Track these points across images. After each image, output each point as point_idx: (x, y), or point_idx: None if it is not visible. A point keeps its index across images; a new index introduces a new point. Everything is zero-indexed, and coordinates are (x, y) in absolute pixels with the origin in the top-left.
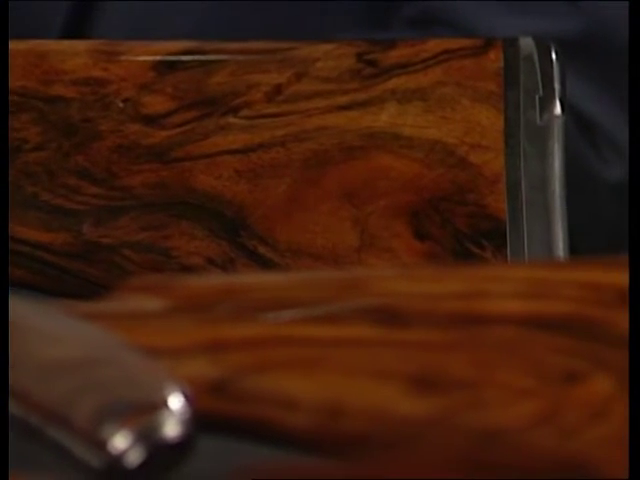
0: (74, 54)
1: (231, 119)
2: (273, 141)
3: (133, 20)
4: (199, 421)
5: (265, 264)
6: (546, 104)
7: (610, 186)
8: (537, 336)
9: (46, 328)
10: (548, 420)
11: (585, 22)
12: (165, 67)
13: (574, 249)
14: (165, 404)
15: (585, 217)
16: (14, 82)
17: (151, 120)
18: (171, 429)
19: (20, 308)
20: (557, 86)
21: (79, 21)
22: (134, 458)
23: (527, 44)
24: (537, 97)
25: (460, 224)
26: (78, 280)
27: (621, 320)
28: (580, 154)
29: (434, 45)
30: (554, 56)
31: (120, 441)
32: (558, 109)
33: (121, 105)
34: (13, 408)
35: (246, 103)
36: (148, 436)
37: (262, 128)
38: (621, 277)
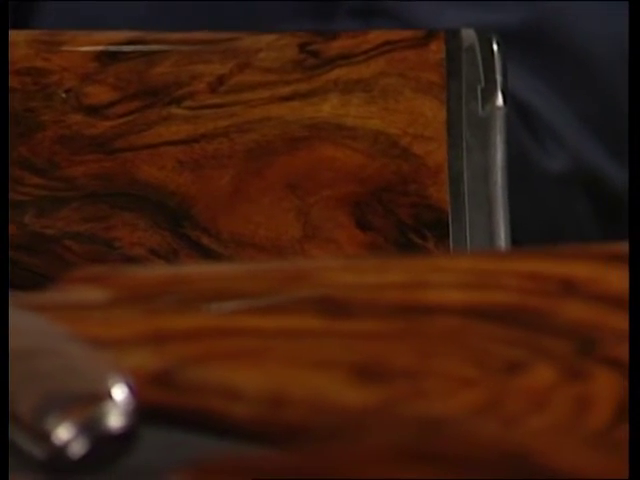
0: (14, 44)
1: (174, 110)
2: (216, 132)
3: (78, 21)
4: (143, 412)
5: (208, 255)
6: (488, 95)
7: (551, 177)
8: (479, 326)
9: None
10: (490, 409)
11: (527, 14)
12: (107, 57)
13: (516, 240)
14: (109, 395)
15: (527, 208)
16: None
17: (94, 110)
18: (114, 420)
19: None
20: (499, 77)
21: (20, 21)
22: (77, 449)
23: (469, 35)
24: (479, 88)
25: (403, 215)
26: (22, 271)
27: (562, 309)
28: (522, 146)
29: (376, 36)
30: (496, 47)
31: (63, 432)
32: (500, 100)
33: (63, 95)
34: None
35: (189, 94)
36: (91, 427)
37: (205, 119)
38: (562, 267)
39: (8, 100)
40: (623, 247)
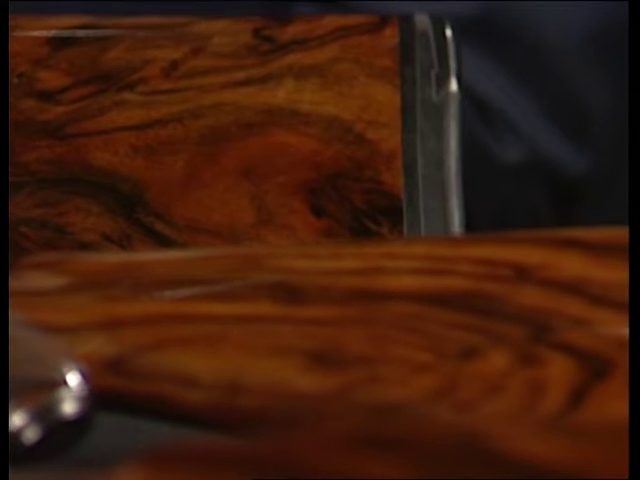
0: None
1: (127, 95)
2: (170, 117)
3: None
4: (97, 398)
5: (162, 241)
6: (442, 81)
7: (507, 165)
8: (434, 312)
9: None
10: (445, 395)
11: (482, 3)
12: (60, 42)
13: (470, 227)
14: (63, 382)
15: (481, 196)
16: None
17: (46, 96)
18: (68, 407)
19: None
20: (452, 63)
21: None
22: (31, 436)
23: (422, 21)
24: (433, 74)
25: (357, 200)
26: None
27: (516, 295)
28: (477, 134)
29: (330, 22)
30: (449, 33)
31: (17, 419)
32: (454, 86)
33: (15, 80)
34: None
35: (142, 79)
36: (45, 414)
37: (158, 104)
38: (516, 252)
39: (8, 101)
40: (576, 233)
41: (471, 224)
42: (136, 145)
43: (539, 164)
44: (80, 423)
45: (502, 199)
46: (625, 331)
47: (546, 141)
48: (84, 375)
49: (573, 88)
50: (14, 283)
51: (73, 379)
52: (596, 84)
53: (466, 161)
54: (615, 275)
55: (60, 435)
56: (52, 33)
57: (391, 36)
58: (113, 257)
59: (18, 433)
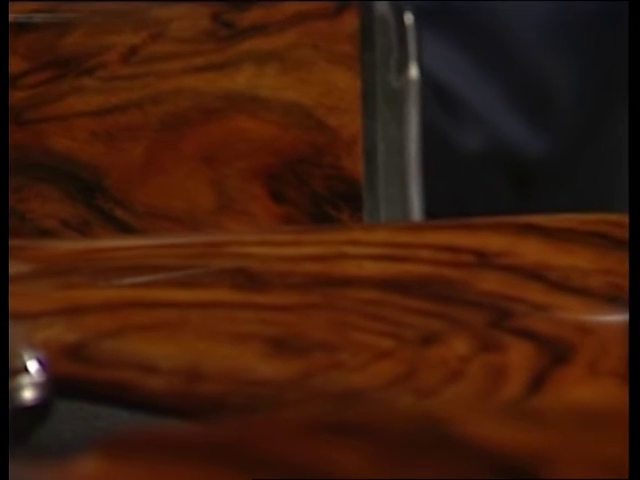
0: None
1: (86, 80)
2: (129, 103)
3: None
4: (57, 385)
5: (122, 227)
6: (402, 66)
7: (466, 152)
8: (394, 298)
9: None
10: (405, 380)
11: None
12: (17, 27)
13: (430, 215)
14: (22, 369)
15: (442, 184)
16: None
17: None
18: (28, 393)
19: None
20: (413, 49)
21: None
22: None
23: (382, 7)
24: (393, 60)
25: (317, 187)
26: None
27: (476, 281)
28: (437, 120)
29: (289, 7)
30: (409, 19)
31: None
32: (414, 72)
33: None
34: None
35: (101, 64)
36: None
37: (117, 90)
38: (476, 238)
39: (8, 101)
40: (536, 219)
41: (431, 211)
42: (95, 131)
43: (499, 150)
44: (40, 410)
45: (462, 186)
46: (585, 316)
47: (506, 127)
48: (43, 362)
49: (534, 75)
50: None
51: (33, 366)
52: (557, 71)
53: (426, 148)
54: (574, 261)
55: (20, 422)
56: (10, 18)
57: (351, 22)
58: (73, 244)
59: None
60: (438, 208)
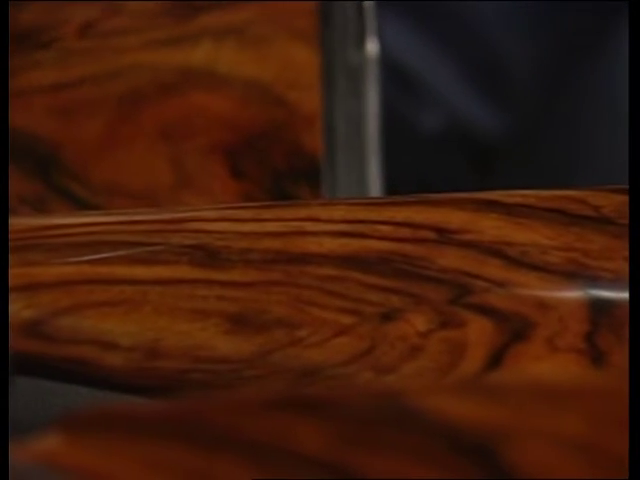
0: None
1: (42, 55)
2: (86, 78)
3: None
4: (16, 362)
5: (79, 203)
6: (361, 43)
7: (425, 130)
8: (354, 274)
9: None
10: (365, 356)
11: None
12: None
13: (389, 192)
14: None
15: (400, 162)
16: None
17: None
18: None
19: None
20: (371, 25)
21: None
22: None
23: None
24: (351, 36)
25: (276, 163)
26: None
27: (436, 257)
28: (395, 99)
29: None
30: None
31: None
32: (373, 48)
33: None
34: None
35: (57, 39)
36: None
37: (74, 64)
38: (436, 214)
39: (8, 101)
40: (495, 195)
41: (391, 190)
42: (52, 106)
43: (458, 128)
44: None
45: (422, 163)
46: (544, 293)
47: (465, 106)
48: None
49: (493, 54)
50: None
51: None
52: (516, 50)
53: (386, 127)
54: (533, 237)
55: None
56: None
57: None
58: (29, 220)
59: None
60: (398, 187)
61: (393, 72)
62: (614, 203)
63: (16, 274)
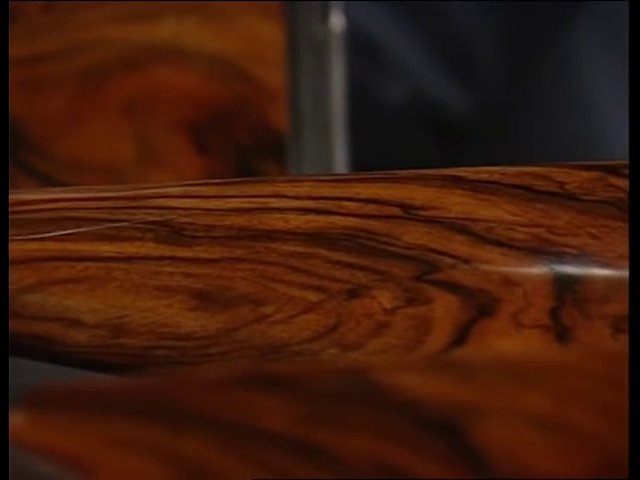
0: None
1: None
2: (49, 53)
3: None
4: None
5: (44, 180)
6: (325, 17)
7: (391, 105)
8: (320, 251)
9: None
10: (331, 332)
11: None
12: None
13: (355, 169)
14: None
15: (367, 137)
16: None
17: None
18: None
19: None
20: None
21: None
22: None
23: None
24: (316, 10)
25: (242, 138)
26: None
27: (402, 233)
28: (361, 72)
29: None
30: None
31: None
32: (338, 22)
33: None
34: None
35: (21, 14)
36: None
37: (38, 40)
38: (401, 191)
39: (8, 101)
40: (461, 172)
41: (357, 165)
42: (16, 81)
43: (424, 104)
44: None
45: (387, 139)
46: (509, 269)
47: (432, 81)
48: None
49: (460, 28)
50: None
51: None
52: (483, 25)
53: (351, 100)
54: (498, 213)
55: None
56: None
57: None
58: None
59: None
60: (364, 162)
61: (359, 46)
62: (579, 179)
63: None
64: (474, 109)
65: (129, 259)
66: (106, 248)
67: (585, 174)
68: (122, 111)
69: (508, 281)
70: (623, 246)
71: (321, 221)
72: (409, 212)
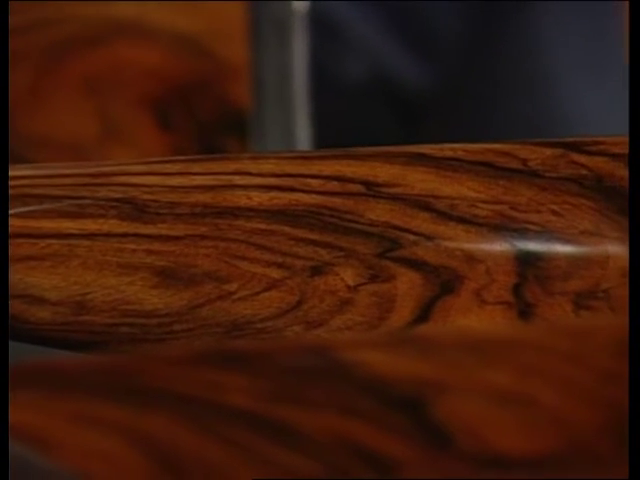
0: None
1: None
2: (13, 29)
3: None
4: None
5: None
6: None
7: (350, 82)
8: (283, 228)
9: None
10: (294, 310)
11: None
12: None
13: (317, 145)
14: None
15: (328, 114)
16: None
17: None
18: None
19: None
20: None
21: None
22: None
23: None
24: None
25: (204, 115)
26: None
27: (365, 210)
28: (320, 50)
29: None
30: None
31: None
32: (301, 1)
33: None
34: None
35: None
36: None
37: None
38: (364, 168)
39: (8, 101)
40: (424, 149)
41: (319, 141)
42: None
43: (385, 80)
44: None
45: (349, 115)
46: (471, 245)
47: (391, 57)
48: None
49: (419, 5)
50: None
51: None
52: (442, 1)
53: (313, 78)
54: (461, 190)
55: None
56: None
57: None
58: None
59: None
60: (324, 140)
61: (319, 24)
62: (541, 156)
63: None
64: (434, 85)
65: (92, 236)
66: (69, 225)
67: (548, 151)
68: (85, 88)
69: (471, 258)
70: (585, 223)
71: (284, 198)
72: (372, 189)
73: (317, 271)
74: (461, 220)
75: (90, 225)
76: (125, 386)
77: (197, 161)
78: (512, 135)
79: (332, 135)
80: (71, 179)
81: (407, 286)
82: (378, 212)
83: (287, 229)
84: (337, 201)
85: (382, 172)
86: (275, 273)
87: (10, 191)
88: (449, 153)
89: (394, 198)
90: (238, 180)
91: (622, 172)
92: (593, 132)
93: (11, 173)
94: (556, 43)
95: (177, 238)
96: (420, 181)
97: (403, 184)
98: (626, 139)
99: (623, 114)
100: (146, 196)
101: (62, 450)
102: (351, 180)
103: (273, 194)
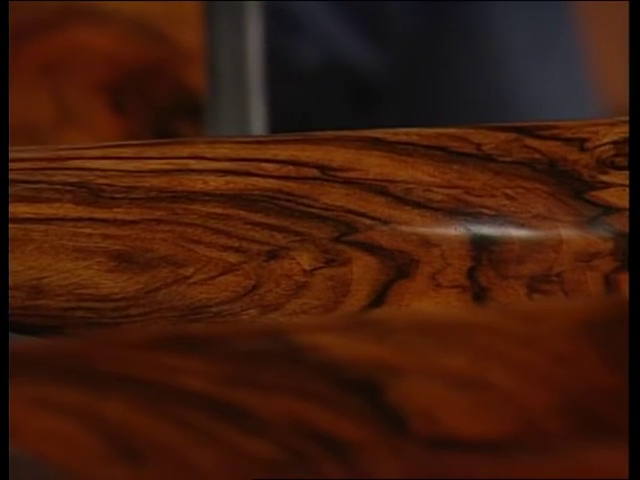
0: None
1: None
2: None
3: None
4: None
5: None
6: None
7: (303, 66)
8: (239, 212)
9: None
10: (250, 294)
11: None
12: None
13: (272, 130)
14: None
15: (284, 99)
16: None
17: None
18: None
19: None
20: None
21: None
22: None
23: None
24: None
25: (159, 99)
26: None
27: (321, 195)
28: (274, 34)
29: None
30: None
31: None
32: None
33: None
34: None
35: None
36: None
37: None
38: (319, 152)
39: (8, 101)
40: (379, 133)
41: (274, 126)
42: None
43: (338, 65)
44: None
45: (304, 100)
46: (426, 230)
47: (345, 43)
48: None
49: None
50: None
51: None
52: None
53: (268, 62)
54: (416, 174)
55: None
56: None
57: None
58: None
59: None
60: (279, 125)
61: (275, 8)
62: (495, 141)
63: None
64: (387, 70)
65: (47, 220)
66: (24, 209)
67: (501, 135)
68: (39, 72)
69: (426, 242)
70: (538, 206)
71: (240, 183)
72: (327, 173)
73: (273, 255)
74: (416, 204)
75: (45, 209)
76: (81, 370)
77: (152, 145)
78: (464, 119)
79: (287, 120)
80: (26, 163)
81: (363, 270)
82: (333, 196)
83: (243, 213)
84: (293, 185)
85: (337, 156)
86: (231, 257)
87: None
88: (403, 138)
89: (349, 182)
90: (194, 164)
91: (575, 156)
92: (542, 113)
93: None
94: (504, 28)
95: (133, 222)
96: (375, 165)
97: (358, 168)
98: (579, 123)
99: (570, 95)
100: (101, 180)
101: (19, 433)
102: (306, 164)
103: (229, 178)
